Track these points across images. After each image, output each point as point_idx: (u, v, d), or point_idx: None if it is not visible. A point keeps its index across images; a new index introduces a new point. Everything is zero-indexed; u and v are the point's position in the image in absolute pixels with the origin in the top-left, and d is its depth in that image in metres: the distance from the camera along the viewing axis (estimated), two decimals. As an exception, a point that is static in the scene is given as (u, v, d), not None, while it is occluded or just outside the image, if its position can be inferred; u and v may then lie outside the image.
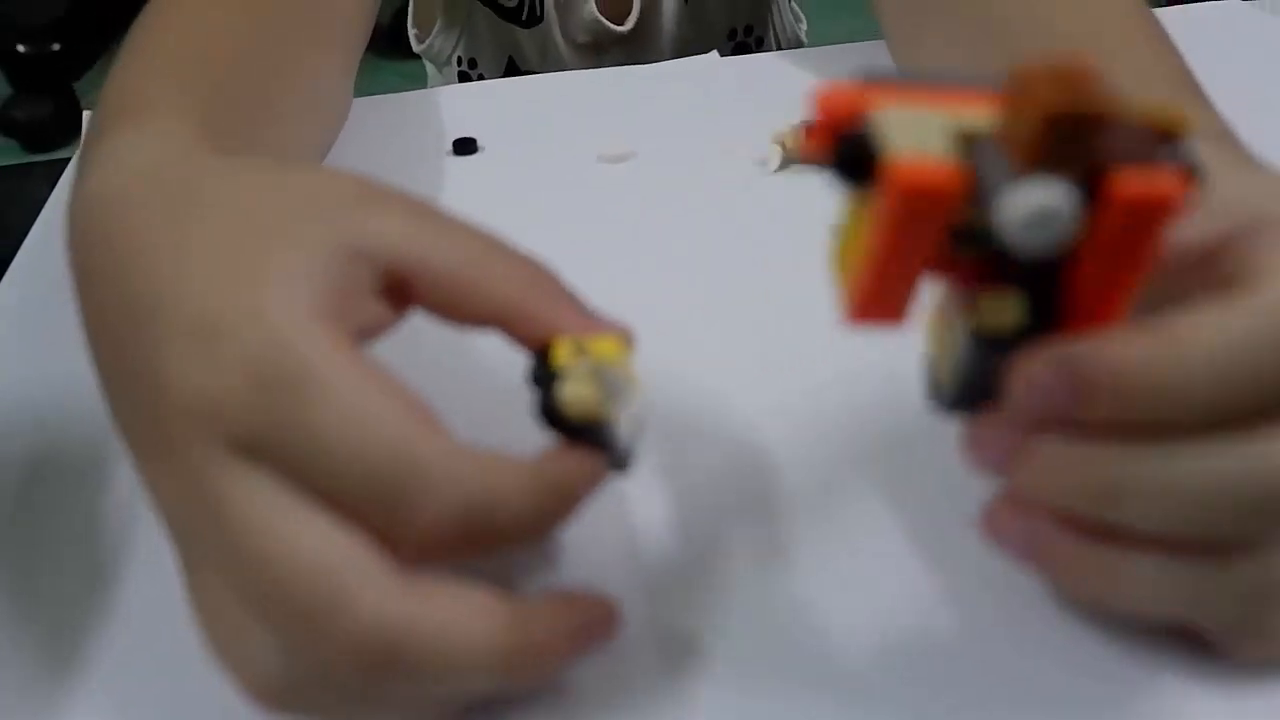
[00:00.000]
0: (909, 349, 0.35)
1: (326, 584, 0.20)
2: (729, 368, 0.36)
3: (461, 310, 0.25)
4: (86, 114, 0.54)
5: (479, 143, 0.50)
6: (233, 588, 0.22)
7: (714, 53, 0.60)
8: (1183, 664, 0.25)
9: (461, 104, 0.55)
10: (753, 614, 0.27)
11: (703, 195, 0.45)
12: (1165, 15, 0.61)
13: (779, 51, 0.62)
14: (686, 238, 0.43)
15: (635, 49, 0.73)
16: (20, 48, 2.01)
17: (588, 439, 0.23)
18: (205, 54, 0.36)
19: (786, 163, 0.47)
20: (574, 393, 0.23)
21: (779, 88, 0.55)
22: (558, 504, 0.23)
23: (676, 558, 0.29)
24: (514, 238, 0.41)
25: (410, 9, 0.76)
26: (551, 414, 0.23)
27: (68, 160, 0.52)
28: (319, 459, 0.21)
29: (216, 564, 0.22)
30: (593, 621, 0.23)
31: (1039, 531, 0.23)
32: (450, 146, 0.50)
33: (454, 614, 0.21)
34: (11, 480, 0.32)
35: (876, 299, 0.22)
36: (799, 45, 0.82)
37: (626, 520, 0.30)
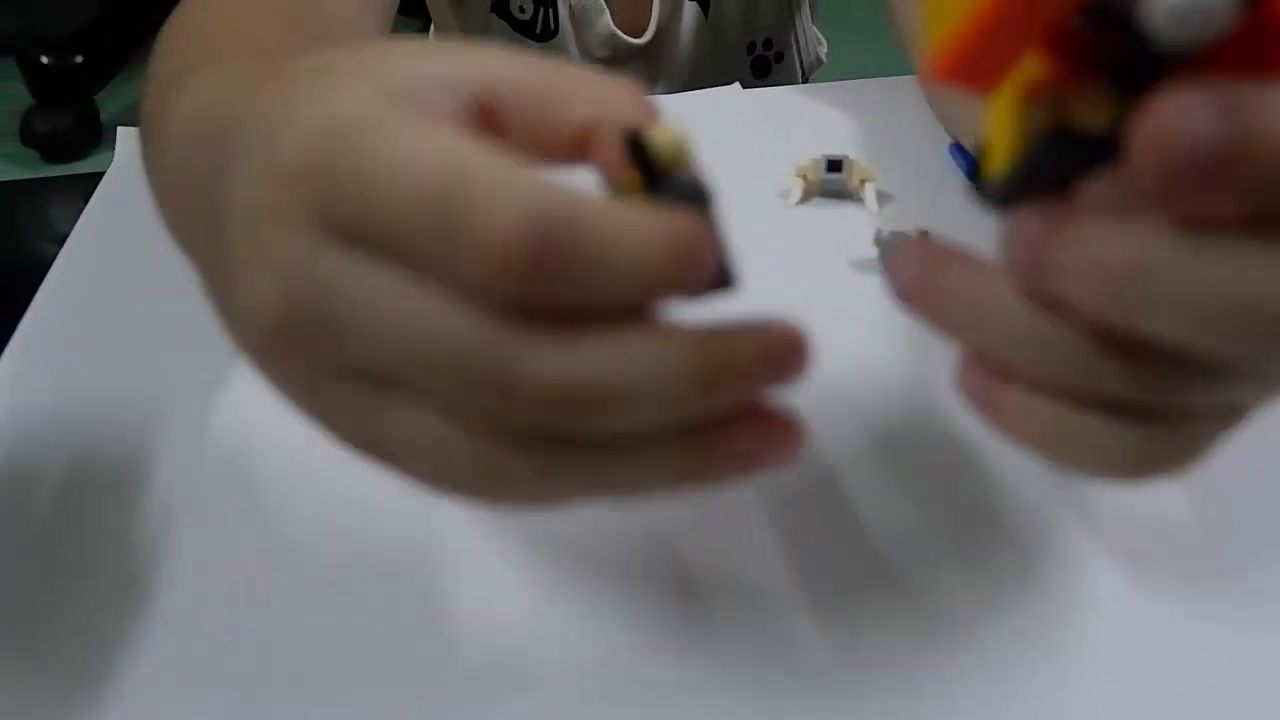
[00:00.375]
0: (927, 381, 0.35)
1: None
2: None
3: (551, 128, 0.22)
4: (122, 131, 0.56)
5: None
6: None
7: (736, 85, 0.61)
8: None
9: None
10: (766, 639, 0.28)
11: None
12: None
13: (800, 85, 0.63)
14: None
15: (653, 62, 0.73)
16: (44, 59, 2.03)
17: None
18: (251, 32, 0.36)
19: (807, 195, 0.48)
20: (664, 132, 0.21)
21: (800, 121, 0.56)
22: (658, 246, 0.18)
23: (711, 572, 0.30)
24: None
25: (430, 33, 0.77)
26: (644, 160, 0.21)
27: (85, 175, 0.53)
28: (372, 203, 0.19)
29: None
30: (786, 346, 0.21)
31: (998, 389, 0.22)
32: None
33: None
34: (46, 496, 0.33)
35: (972, 59, 0.19)
36: (819, 65, 0.83)
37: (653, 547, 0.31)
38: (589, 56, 0.72)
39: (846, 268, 0.43)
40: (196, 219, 0.26)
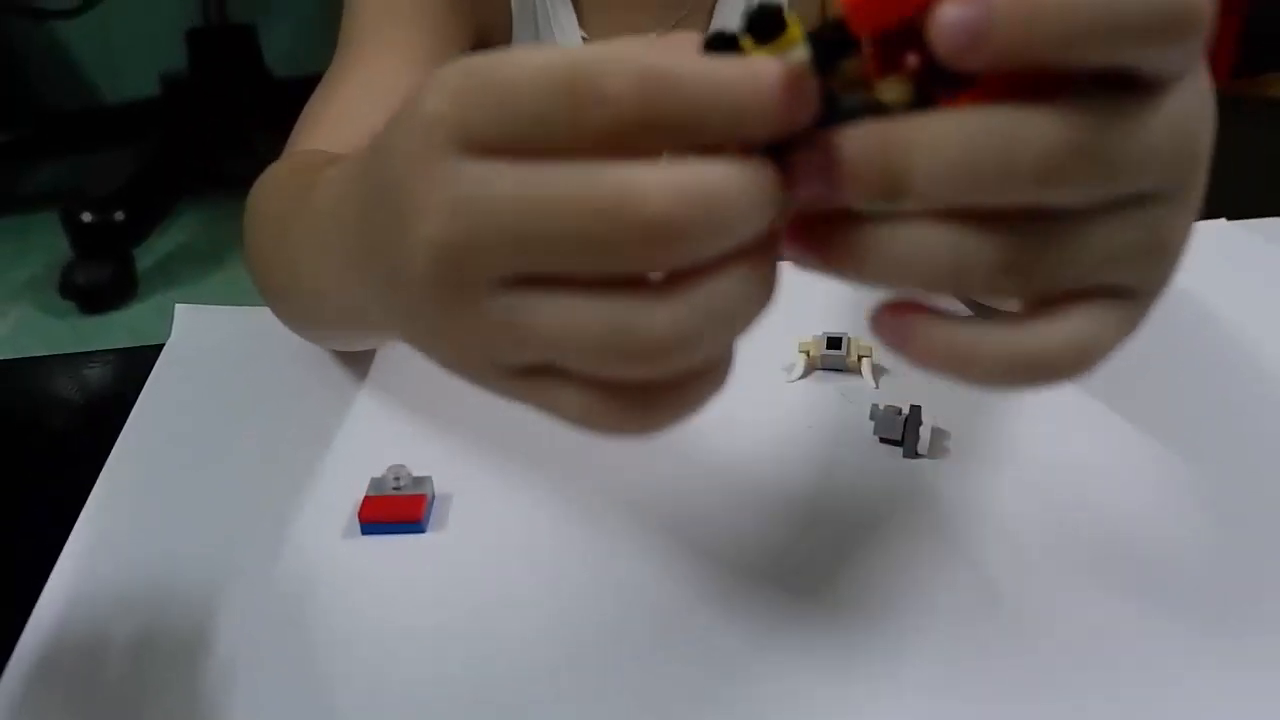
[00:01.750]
0: (923, 551, 0.38)
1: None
2: (743, 563, 0.39)
3: None
4: (180, 308, 0.60)
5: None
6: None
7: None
8: None
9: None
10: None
11: (730, 400, 0.50)
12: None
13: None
14: (713, 442, 0.47)
15: None
16: (86, 216, 2.13)
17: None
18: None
19: (809, 369, 0.52)
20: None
21: (804, 295, 0.60)
22: (750, 84, 0.22)
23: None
24: (565, 433, 0.46)
25: None
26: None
27: (126, 350, 0.57)
28: (507, 101, 0.22)
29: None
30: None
31: (902, 321, 0.25)
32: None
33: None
34: (115, 659, 0.36)
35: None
36: None
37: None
38: None
39: (846, 440, 0.46)
40: (351, 213, 0.31)
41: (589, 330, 0.23)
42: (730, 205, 0.22)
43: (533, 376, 0.26)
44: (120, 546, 0.42)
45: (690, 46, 0.24)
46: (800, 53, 0.23)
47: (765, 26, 0.23)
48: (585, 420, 0.26)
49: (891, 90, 0.23)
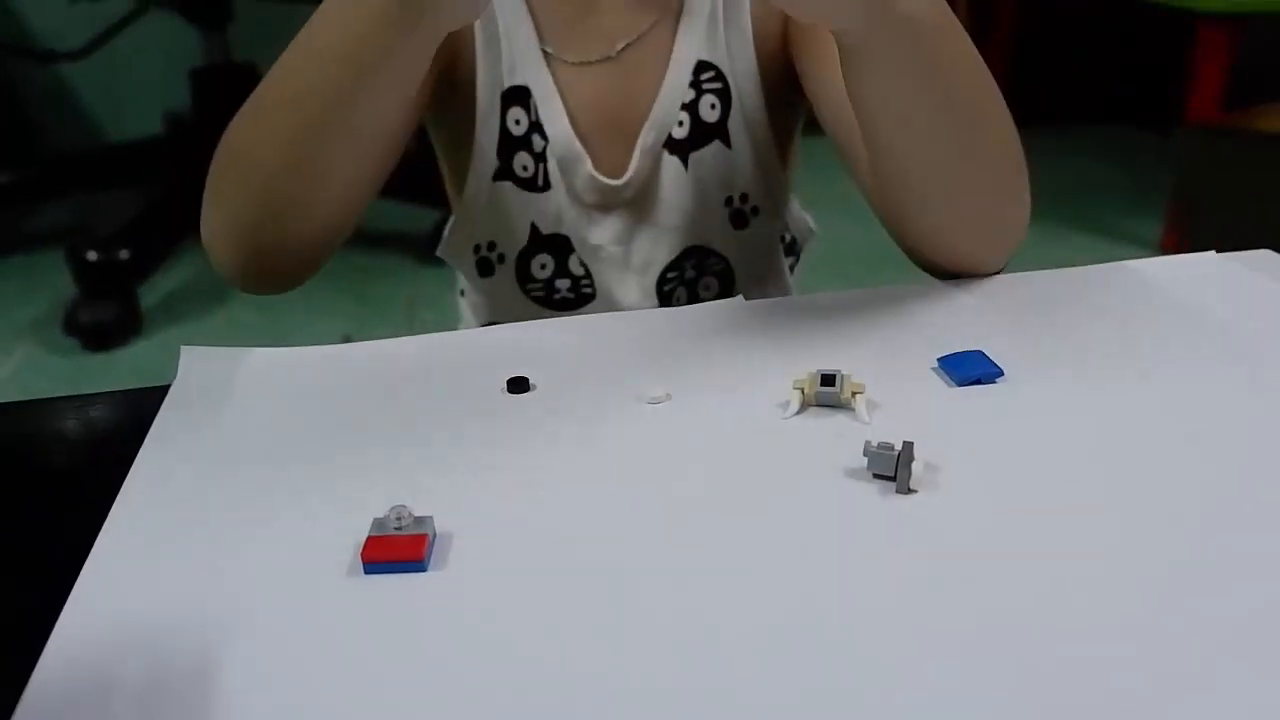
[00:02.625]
0: (917, 582, 0.39)
1: None
2: (739, 598, 0.40)
3: None
4: (185, 350, 0.61)
5: (531, 380, 0.56)
6: None
7: (739, 297, 0.66)
8: None
9: (511, 343, 0.62)
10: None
11: (727, 437, 0.51)
12: (1147, 267, 0.68)
13: (797, 297, 0.68)
14: (711, 479, 0.48)
15: (639, 209, 0.80)
16: (90, 255, 2.14)
17: None
18: None
19: (804, 406, 0.52)
20: None
21: (800, 332, 0.61)
22: None
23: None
24: (566, 471, 0.47)
25: (450, 224, 0.85)
26: None
27: (131, 391, 0.58)
28: None
29: None
30: None
31: None
32: (505, 385, 0.56)
33: None
34: (123, 703, 0.37)
35: None
36: (810, 235, 0.89)
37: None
38: (578, 202, 0.78)
39: (839, 476, 0.47)
40: None
41: None
42: None
43: None
44: (127, 589, 0.42)
45: None
46: None
47: None
48: None
49: None
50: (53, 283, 2.30)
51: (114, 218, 2.28)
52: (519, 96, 0.76)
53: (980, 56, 0.60)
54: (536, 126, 0.76)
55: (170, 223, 2.35)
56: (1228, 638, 0.37)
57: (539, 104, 0.76)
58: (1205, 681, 0.35)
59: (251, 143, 0.62)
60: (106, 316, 2.15)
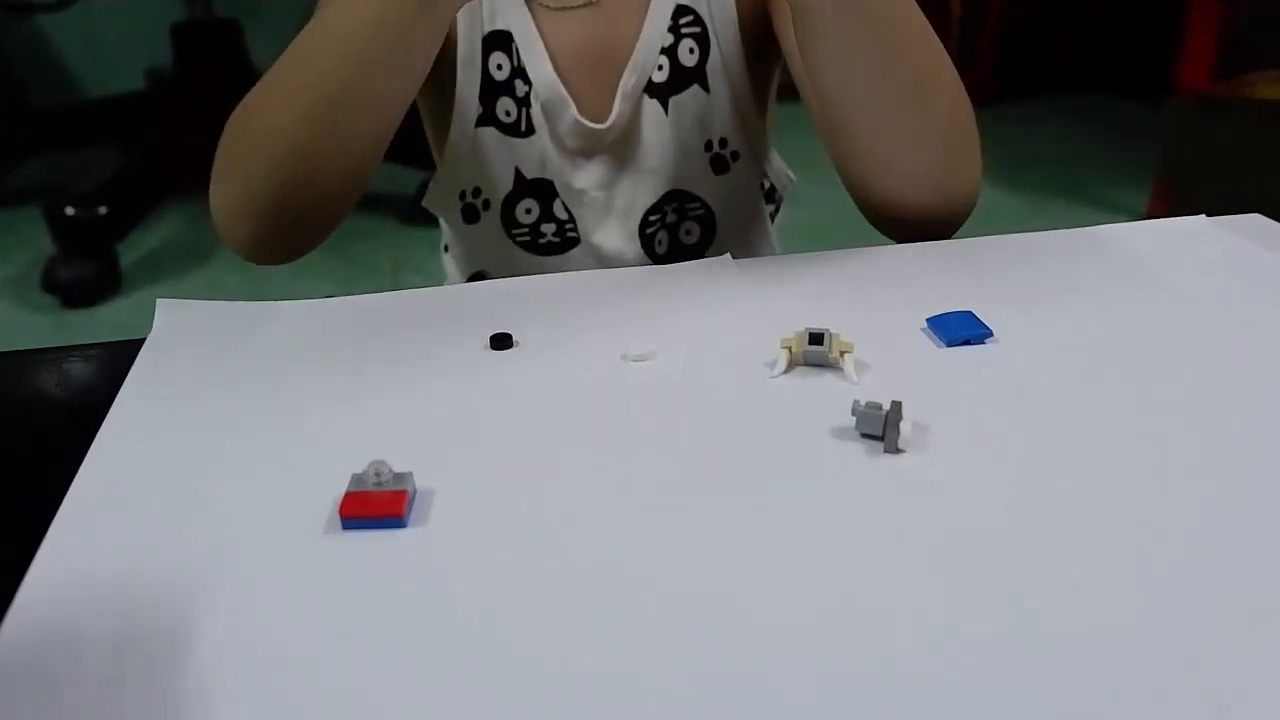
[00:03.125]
0: (906, 542, 0.39)
1: None
2: (724, 556, 0.39)
3: None
4: (162, 302, 0.60)
5: (515, 337, 0.55)
6: None
7: (727, 256, 0.65)
8: None
9: (496, 299, 0.61)
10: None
11: (713, 396, 0.50)
12: (1137, 230, 0.67)
13: (787, 255, 0.67)
14: (695, 438, 0.47)
15: (621, 153, 0.80)
16: (69, 210, 2.12)
17: None
18: None
19: (792, 365, 0.52)
20: None
21: (788, 291, 0.60)
22: None
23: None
24: (548, 429, 0.46)
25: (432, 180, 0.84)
26: None
27: (110, 344, 0.57)
28: None
29: None
30: None
31: None
32: (488, 341, 0.55)
33: None
34: (94, 657, 0.36)
35: None
36: (790, 184, 0.89)
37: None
38: (561, 147, 0.79)
39: (827, 435, 0.47)
40: None
41: None
42: None
43: None
44: (99, 543, 0.41)
45: None
46: None
47: None
48: None
49: None
50: (31, 240, 2.27)
51: (94, 174, 2.25)
52: (500, 41, 0.76)
53: (926, 21, 0.64)
54: (519, 71, 0.76)
55: (151, 180, 2.32)
56: (1215, 590, 0.37)
57: (521, 48, 0.75)
58: (1194, 630, 0.35)
59: (273, 125, 0.63)
60: (85, 274, 2.13)
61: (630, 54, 0.77)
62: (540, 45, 0.76)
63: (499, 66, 0.77)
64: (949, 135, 0.67)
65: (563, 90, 0.76)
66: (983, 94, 3.13)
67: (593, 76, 0.77)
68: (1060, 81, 3.21)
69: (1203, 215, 0.69)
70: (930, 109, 0.65)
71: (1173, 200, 2.21)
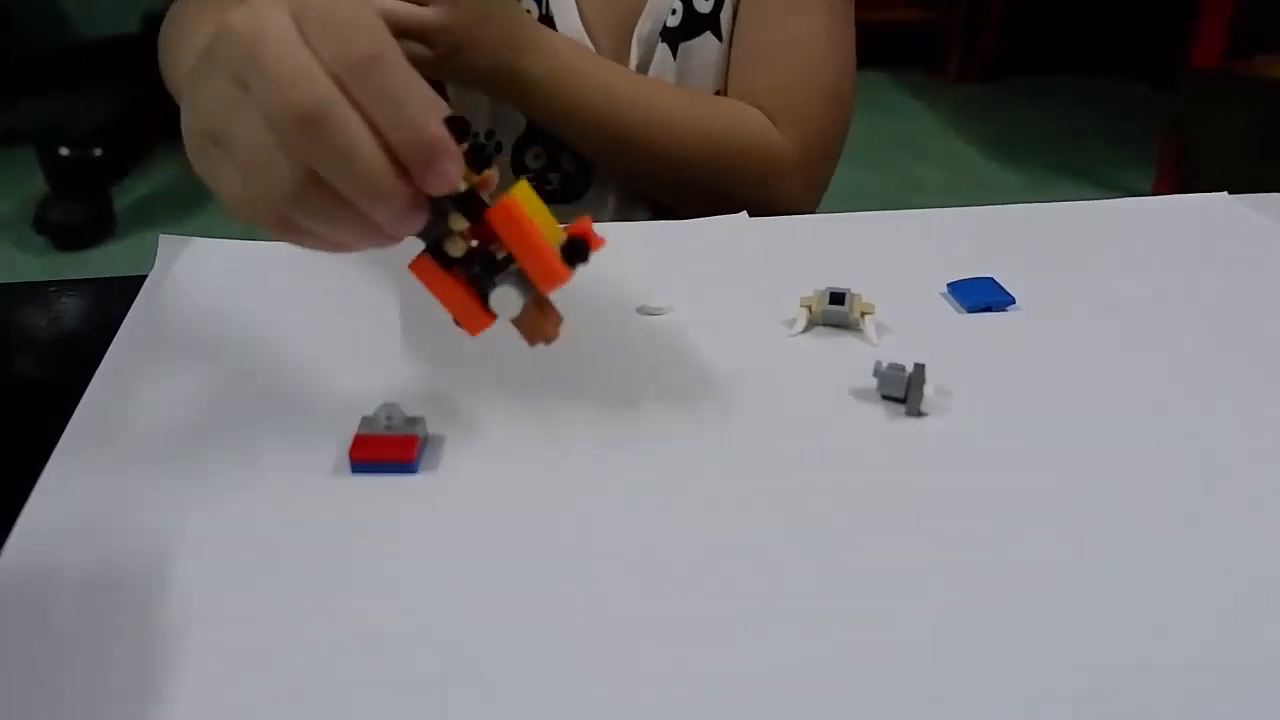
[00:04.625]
0: (923, 508, 0.38)
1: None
2: (740, 514, 0.38)
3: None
4: (164, 239, 0.59)
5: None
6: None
7: (743, 213, 0.64)
8: None
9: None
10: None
11: (730, 351, 0.49)
12: (1159, 204, 0.66)
13: (803, 215, 0.66)
14: (712, 392, 0.46)
15: None
16: (63, 151, 2.09)
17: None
18: None
19: (811, 325, 0.51)
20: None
21: (807, 250, 0.59)
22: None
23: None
24: (562, 379, 0.45)
25: None
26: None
27: (99, 280, 0.56)
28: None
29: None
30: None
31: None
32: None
33: None
34: (68, 594, 0.35)
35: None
36: None
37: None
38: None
39: (847, 396, 0.46)
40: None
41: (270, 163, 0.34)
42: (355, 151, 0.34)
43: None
44: (96, 482, 0.40)
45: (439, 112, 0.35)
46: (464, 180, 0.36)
47: (479, 161, 0.37)
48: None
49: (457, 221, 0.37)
50: (24, 181, 2.24)
51: (88, 116, 2.22)
52: None
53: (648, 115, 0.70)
54: (547, 19, 0.75)
55: (145, 124, 2.28)
56: (1233, 559, 0.36)
57: None
58: (1221, 599, 0.34)
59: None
60: (78, 215, 2.10)
61: (648, 0, 0.76)
62: None
63: (528, 11, 0.75)
64: (740, 189, 0.69)
65: (588, 40, 0.75)
66: (987, 70, 3.13)
67: (613, 24, 0.76)
68: (1065, 59, 3.18)
69: (1225, 193, 0.68)
70: (684, 183, 0.71)
71: (1178, 180, 2.20)
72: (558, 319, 0.40)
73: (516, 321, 0.39)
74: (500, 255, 0.38)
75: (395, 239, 0.37)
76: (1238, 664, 0.32)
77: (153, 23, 2.51)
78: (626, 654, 0.32)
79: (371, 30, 0.34)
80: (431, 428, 0.43)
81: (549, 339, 0.40)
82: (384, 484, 0.40)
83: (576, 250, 0.37)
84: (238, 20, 0.35)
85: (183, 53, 0.55)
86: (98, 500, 0.39)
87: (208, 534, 0.37)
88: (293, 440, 0.42)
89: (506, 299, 0.38)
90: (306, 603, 0.34)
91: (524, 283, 0.38)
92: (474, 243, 0.38)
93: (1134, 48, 3.05)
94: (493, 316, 0.38)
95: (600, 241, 0.38)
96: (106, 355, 0.49)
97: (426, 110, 0.34)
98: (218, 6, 0.58)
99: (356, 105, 0.34)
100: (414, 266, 0.38)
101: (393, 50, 0.34)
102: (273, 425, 0.43)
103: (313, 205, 0.35)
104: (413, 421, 0.41)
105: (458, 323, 0.39)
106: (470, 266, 0.38)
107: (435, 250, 0.38)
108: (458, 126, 0.35)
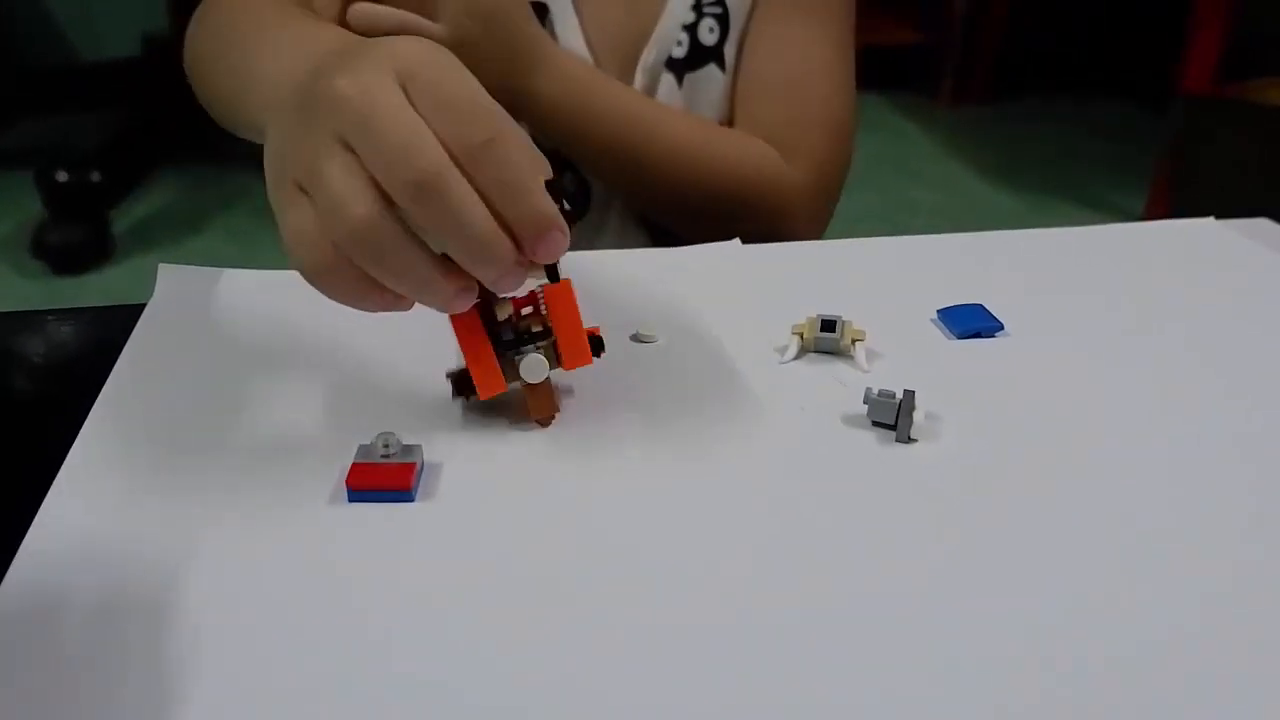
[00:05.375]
0: (916, 534, 0.38)
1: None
2: (732, 540, 0.39)
3: None
4: (164, 267, 0.59)
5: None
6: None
7: (736, 240, 0.65)
8: None
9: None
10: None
11: (723, 379, 0.50)
12: (1148, 230, 0.67)
13: (797, 242, 0.67)
14: (706, 419, 0.47)
15: None
16: (61, 176, 2.09)
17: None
18: None
19: (802, 351, 0.51)
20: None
21: (798, 277, 0.60)
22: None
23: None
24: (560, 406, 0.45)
25: None
26: None
27: (95, 309, 0.56)
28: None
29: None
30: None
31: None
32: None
33: None
34: (79, 613, 0.35)
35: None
36: None
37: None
38: None
39: (838, 423, 0.46)
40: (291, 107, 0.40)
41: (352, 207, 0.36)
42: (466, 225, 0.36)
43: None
44: (96, 510, 0.41)
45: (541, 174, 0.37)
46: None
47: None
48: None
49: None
50: (22, 204, 2.25)
51: (87, 139, 2.23)
52: (537, 12, 0.75)
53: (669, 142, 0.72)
54: None
55: (145, 147, 2.29)
56: (1226, 584, 0.36)
57: (556, 20, 0.75)
58: (1206, 624, 0.35)
59: (207, 77, 0.67)
60: (76, 239, 2.10)
61: (653, 29, 0.77)
62: (574, 18, 0.76)
63: None
64: (749, 221, 0.70)
65: (591, 64, 0.76)
66: (983, 93, 3.15)
67: (618, 52, 0.77)
68: (1061, 82, 3.20)
69: (1211, 218, 0.68)
70: (700, 210, 0.73)
71: (1171, 203, 2.21)
72: (558, 404, 0.45)
73: (530, 390, 0.43)
74: (535, 329, 0.43)
75: (460, 305, 0.39)
76: (1233, 699, 0.33)
77: (153, 47, 2.52)
78: (624, 684, 0.33)
79: (489, 112, 0.35)
80: (429, 455, 0.43)
81: (548, 418, 0.45)
82: (381, 512, 0.40)
83: (598, 343, 0.44)
84: (345, 85, 0.35)
85: (256, 66, 0.53)
86: (99, 528, 0.40)
87: (206, 562, 0.38)
88: (290, 468, 0.43)
89: (536, 365, 0.42)
90: (306, 630, 0.35)
91: (551, 356, 0.43)
92: (510, 311, 0.42)
93: (1130, 71, 3.07)
94: (504, 384, 0.43)
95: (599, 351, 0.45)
96: (107, 384, 0.49)
97: (540, 188, 0.36)
98: (278, 11, 0.59)
99: (469, 179, 0.35)
100: (456, 319, 0.41)
101: (506, 128, 0.35)
102: (271, 453, 0.44)
103: (383, 242, 0.36)
104: (410, 449, 0.42)
105: (472, 381, 0.43)
106: (505, 332, 0.42)
107: (484, 310, 0.41)
108: (553, 188, 0.37)
